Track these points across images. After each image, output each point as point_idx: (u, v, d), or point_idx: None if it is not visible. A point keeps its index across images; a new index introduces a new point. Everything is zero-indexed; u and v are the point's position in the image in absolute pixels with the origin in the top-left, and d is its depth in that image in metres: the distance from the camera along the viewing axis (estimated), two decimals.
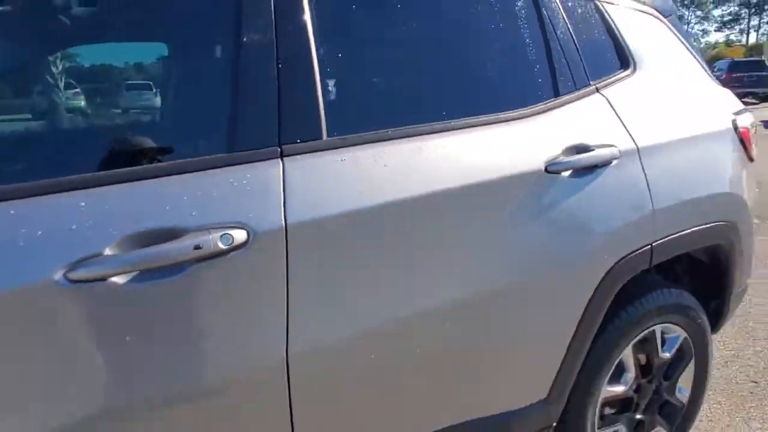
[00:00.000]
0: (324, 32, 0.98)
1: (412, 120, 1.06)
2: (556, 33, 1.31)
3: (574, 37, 1.34)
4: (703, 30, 77.84)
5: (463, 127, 1.10)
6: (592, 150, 1.24)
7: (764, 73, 19.49)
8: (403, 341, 1.01)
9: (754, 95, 19.52)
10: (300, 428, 0.91)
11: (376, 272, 0.97)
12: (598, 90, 1.35)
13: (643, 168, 1.31)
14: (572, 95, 1.30)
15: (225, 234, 0.80)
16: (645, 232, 1.31)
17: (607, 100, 1.35)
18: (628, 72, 1.44)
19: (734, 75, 19.15)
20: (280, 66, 0.92)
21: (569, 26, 1.34)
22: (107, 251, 0.74)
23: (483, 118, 1.14)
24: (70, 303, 0.72)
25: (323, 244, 0.90)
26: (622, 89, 1.40)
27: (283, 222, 0.86)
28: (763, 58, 22.35)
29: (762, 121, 12.06)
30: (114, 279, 0.74)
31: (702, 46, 75.68)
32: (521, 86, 1.27)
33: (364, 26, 1.09)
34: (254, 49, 0.90)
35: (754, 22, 72.30)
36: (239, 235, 0.81)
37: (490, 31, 1.26)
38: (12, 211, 0.71)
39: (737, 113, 1.67)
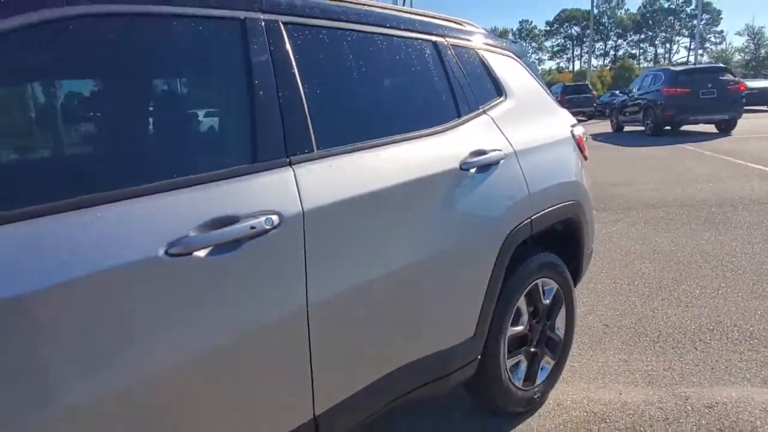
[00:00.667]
0: (306, 77, 1.35)
1: (369, 136, 1.47)
2: (454, 73, 1.82)
3: (465, 75, 1.87)
4: (538, 59, 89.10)
5: (404, 140, 1.54)
6: (488, 153, 1.75)
7: (589, 95, 22.90)
8: (382, 292, 1.40)
9: (582, 113, 22.93)
10: (314, 351, 1.25)
11: (357, 242, 1.35)
12: (485, 112, 1.89)
13: (519, 165, 1.87)
14: (469, 116, 1.82)
15: (268, 218, 1.13)
16: (526, 210, 1.86)
17: (492, 118, 1.89)
18: (502, 98, 2.01)
19: (567, 97, 22.24)
20: (281, 102, 1.28)
21: (462, 68, 1.87)
22: (191, 233, 1.04)
23: (414, 133, 1.59)
24: (170, 271, 1.00)
25: (325, 224, 1.26)
26: (500, 110, 1.96)
27: (301, 209, 1.21)
28: (586, 82, 26.55)
29: (591, 135, 14.43)
30: (196, 253, 1.04)
31: (539, 72, 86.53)
32: (435, 111, 1.75)
33: (332, 72, 1.48)
34: (262, 91, 1.25)
35: (577, 51, 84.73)
36: (275, 219, 1.15)
37: (413, 73, 1.73)
38: (131, 207, 0.98)
39: (573, 125, 2.35)
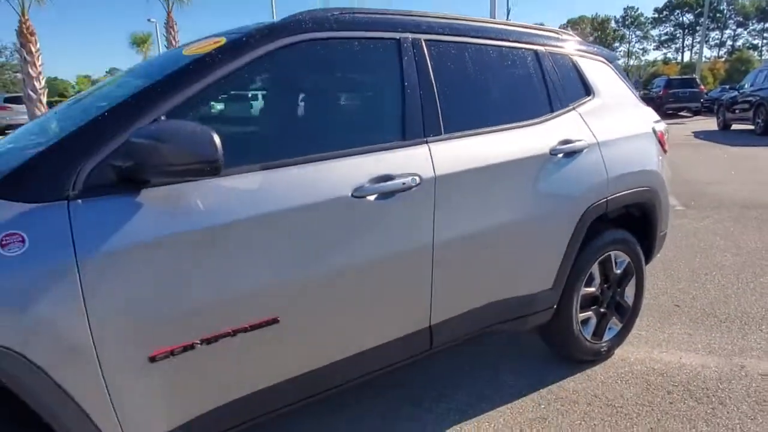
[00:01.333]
0: (438, 79, 1.86)
1: (481, 125, 1.95)
2: (549, 76, 2.25)
3: (559, 77, 2.29)
4: (642, 48, 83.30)
5: (506, 129, 2.01)
6: (573, 143, 2.17)
7: (696, 90, 21.32)
8: (485, 241, 1.89)
9: (688, 109, 21.50)
10: (435, 276, 1.78)
11: (470, 201, 1.85)
12: (574, 108, 2.30)
13: (601, 153, 2.26)
14: (559, 112, 2.24)
15: (413, 178, 1.67)
16: (603, 191, 2.25)
17: (579, 114, 2.30)
18: (590, 97, 2.40)
19: (670, 91, 20.97)
20: (421, 97, 1.80)
21: (556, 71, 2.29)
22: (366, 184, 1.59)
23: (514, 124, 2.05)
24: (353, 206, 1.57)
25: (449, 185, 1.77)
26: (587, 107, 2.35)
27: (434, 174, 1.73)
28: (694, 75, 24.71)
29: (693, 132, 13.72)
30: (368, 198, 1.59)
31: (642, 63, 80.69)
32: (532, 107, 2.19)
33: (457, 76, 1.98)
34: (410, 90, 1.78)
35: (688, 41, 77.96)
36: (418, 179, 1.68)
37: (517, 76, 2.18)
38: (336, 164, 1.56)
39: (656, 122, 2.67)
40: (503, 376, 2.41)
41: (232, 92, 1.62)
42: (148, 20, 41.26)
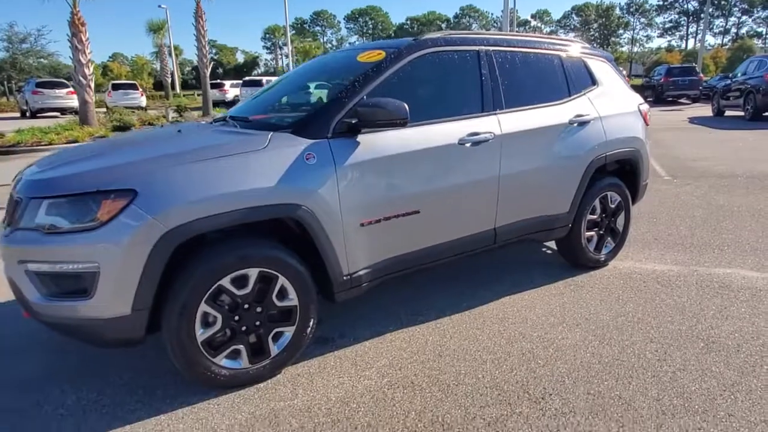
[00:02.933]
0: (502, 76, 3.00)
1: (525, 104, 3.10)
2: (567, 71, 3.39)
3: (574, 72, 3.43)
4: (647, 36, 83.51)
5: (540, 107, 3.15)
6: (584, 116, 3.32)
7: (695, 78, 22.22)
8: (528, 177, 3.05)
9: (687, 97, 22.42)
10: (500, 195, 2.94)
11: (521, 150, 2.99)
12: (584, 94, 3.44)
13: (602, 124, 3.41)
14: (574, 96, 3.38)
15: (490, 134, 2.82)
16: (602, 149, 3.41)
17: (588, 98, 3.44)
18: (595, 86, 3.53)
19: (670, 79, 21.88)
20: (492, 87, 2.94)
21: (572, 68, 3.43)
22: (464, 136, 2.74)
23: (545, 104, 3.20)
24: (457, 150, 2.72)
25: (509, 140, 2.92)
26: (593, 93, 3.49)
27: (501, 132, 2.88)
28: (694, 64, 25.57)
29: (688, 118, 14.78)
30: (466, 144, 2.74)
31: (645, 50, 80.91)
32: (557, 93, 3.33)
33: (512, 73, 3.10)
34: (485, 82, 2.92)
35: (693, 29, 78.11)
36: (492, 135, 2.83)
37: (547, 71, 3.32)
38: (450, 125, 2.71)
39: (641, 104, 3.82)
40: (534, 274, 3.58)
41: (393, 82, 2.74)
42: (159, 6, 42.24)
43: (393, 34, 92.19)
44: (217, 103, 25.31)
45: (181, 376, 2.31)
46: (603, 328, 2.78)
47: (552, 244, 3.97)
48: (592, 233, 3.60)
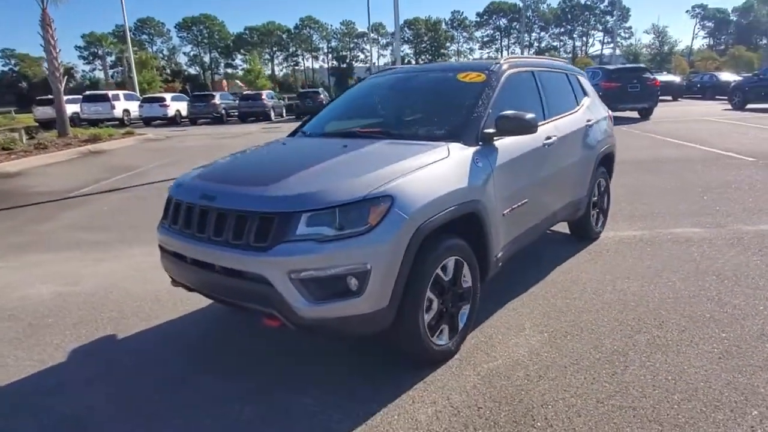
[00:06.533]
0: (544, 88, 3.78)
1: (557, 113, 3.91)
2: (573, 87, 4.32)
3: (576, 87, 4.37)
4: (469, 48, 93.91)
5: (566, 116, 4.01)
6: (591, 120, 4.27)
7: (650, 84, 25.44)
8: (569, 168, 3.88)
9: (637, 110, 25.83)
10: (559, 189, 3.72)
11: (563, 150, 3.80)
12: (584, 104, 4.40)
13: (599, 126, 4.41)
14: (579, 106, 4.32)
15: (555, 136, 3.57)
16: (602, 145, 4.42)
17: (587, 106, 4.41)
18: (587, 97, 4.53)
19: (614, 86, 24.98)
20: (545, 98, 3.70)
21: (576, 83, 4.37)
22: (543, 139, 3.44)
23: (568, 112, 4.06)
24: (543, 150, 3.41)
25: (563, 141, 3.71)
26: (587, 102, 4.47)
27: (558, 134, 3.65)
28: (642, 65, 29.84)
29: None
30: (545, 145, 3.45)
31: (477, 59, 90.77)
32: (571, 104, 4.22)
33: (547, 87, 3.88)
34: (541, 93, 3.67)
35: (505, 42, 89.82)
36: (555, 137, 3.59)
37: (565, 87, 4.20)
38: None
39: (608, 111, 4.94)
40: (558, 254, 4.43)
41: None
42: None
43: (232, 44, 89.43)
44: (49, 123, 20.73)
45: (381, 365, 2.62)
46: (641, 275, 3.71)
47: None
48: (594, 211, 4.58)
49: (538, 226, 3.55)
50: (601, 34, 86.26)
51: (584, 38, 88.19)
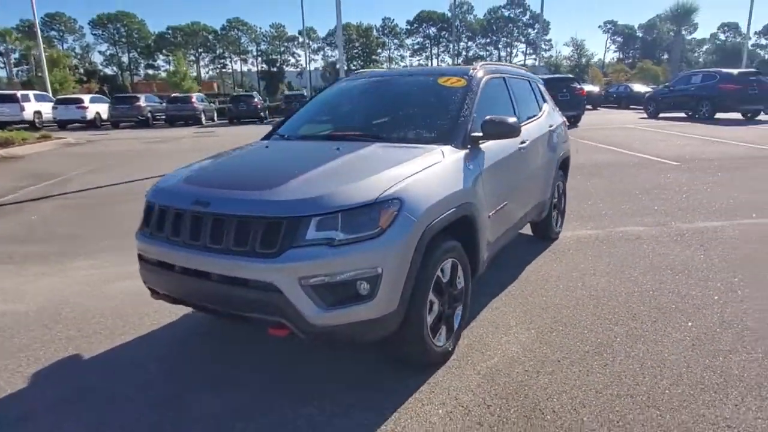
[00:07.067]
0: (515, 94, 3.93)
1: (526, 118, 4.08)
2: (535, 92, 4.51)
3: (537, 93, 4.57)
4: (401, 55, 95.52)
5: (532, 121, 4.18)
6: (553, 126, 4.48)
7: (576, 94, 26.02)
8: (539, 171, 4.05)
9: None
10: (530, 191, 3.88)
11: (535, 151, 3.96)
12: (545, 109, 4.61)
13: (558, 131, 4.63)
14: (541, 112, 4.52)
15: (528, 140, 3.71)
16: (562, 149, 4.65)
17: (547, 111, 4.62)
18: (546, 103, 4.75)
19: None
20: (516, 103, 3.84)
21: (537, 90, 4.57)
22: (519, 145, 3.57)
23: (532, 118, 4.24)
24: (519, 153, 3.53)
25: (534, 145, 3.86)
26: (547, 108, 4.69)
27: (529, 138, 3.80)
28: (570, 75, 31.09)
29: None
30: (520, 149, 3.58)
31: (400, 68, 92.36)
32: (534, 109, 4.41)
33: (515, 93, 4.04)
34: (513, 98, 3.81)
35: (435, 50, 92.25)
36: (528, 140, 3.73)
37: (529, 93, 4.38)
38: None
39: (563, 117, 5.21)
40: (523, 255, 4.60)
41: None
42: None
43: (153, 44, 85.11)
44: None
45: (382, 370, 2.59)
46: (605, 271, 3.94)
47: None
48: (555, 212, 4.80)
49: (515, 227, 3.67)
50: (524, 45, 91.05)
51: (508, 49, 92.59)
